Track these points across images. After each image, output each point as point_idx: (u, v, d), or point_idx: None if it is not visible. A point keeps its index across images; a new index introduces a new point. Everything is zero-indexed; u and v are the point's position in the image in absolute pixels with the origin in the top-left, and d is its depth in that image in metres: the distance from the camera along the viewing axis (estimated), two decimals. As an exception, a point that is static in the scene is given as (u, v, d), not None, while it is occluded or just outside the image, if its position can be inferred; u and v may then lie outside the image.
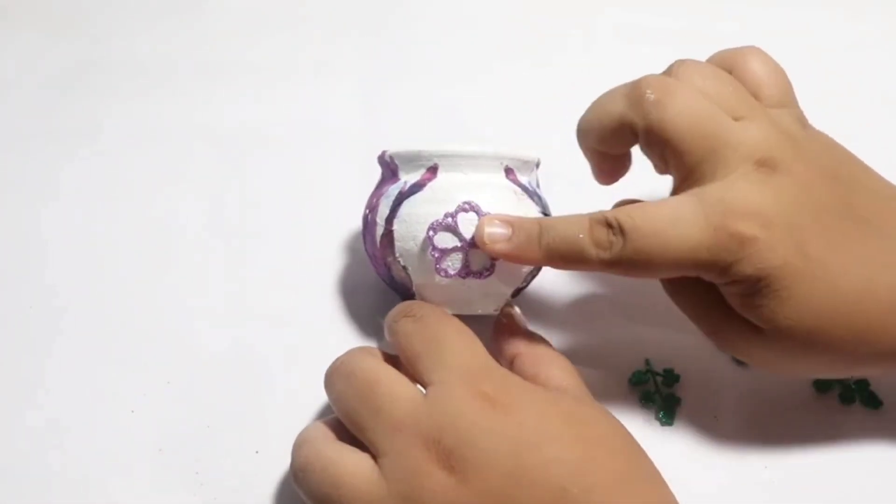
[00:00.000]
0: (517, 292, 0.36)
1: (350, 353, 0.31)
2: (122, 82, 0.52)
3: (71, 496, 0.34)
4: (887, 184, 0.33)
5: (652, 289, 0.36)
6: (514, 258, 0.33)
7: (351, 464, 0.28)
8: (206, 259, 0.43)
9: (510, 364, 0.33)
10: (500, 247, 0.32)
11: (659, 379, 0.37)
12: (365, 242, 0.37)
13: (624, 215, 0.30)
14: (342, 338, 0.39)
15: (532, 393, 0.29)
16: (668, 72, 0.33)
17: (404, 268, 0.34)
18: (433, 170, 0.34)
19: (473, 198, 0.33)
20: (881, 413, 0.36)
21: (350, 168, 0.46)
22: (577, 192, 0.38)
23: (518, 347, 0.33)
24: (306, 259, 0.42)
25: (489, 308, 0.35)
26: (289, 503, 0.34)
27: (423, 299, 0.35)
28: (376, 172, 0.38)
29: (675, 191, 0.32)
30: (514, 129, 0.48)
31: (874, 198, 0.32)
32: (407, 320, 0.31)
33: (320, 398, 0.36)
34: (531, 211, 0.35)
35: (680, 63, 0.33)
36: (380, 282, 0.39)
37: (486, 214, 0.33)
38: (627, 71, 0.53)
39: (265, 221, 0.44)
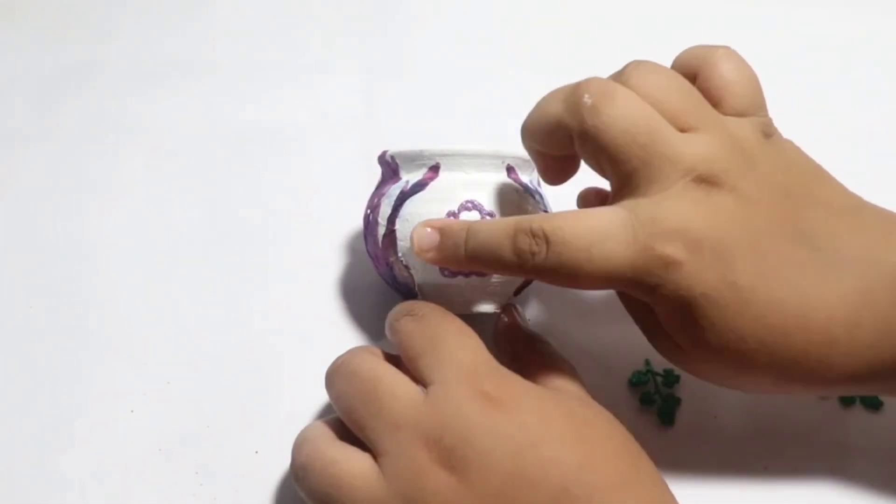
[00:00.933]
0: (518, 291, 0.36)
1: (351, 353, 0.31)
2: (122, 82, 0.52)
3: (71, 496, 0.34)
4: (845, 196, 0.31)
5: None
6: (444, 264, 0.32)
7: (351, 463, 0.28)
8: (207, 259, 0.43)
9: (510, 364, 0.33)
10: (431, 255, 0.32)
11: (659, 379, 0.37)
12: (366, 242, 0.37)
13: (550, 224, 0.29)
14: (343, 338, 0.39)
15: (533, 392, 0.29)
16: (620, 73, 0.31)
17: (406, 267, 0.34)
18: (435, 169, 0.34)
19: (475, 196, 0.33)
20: (881, 413, 0.36)
21: (351, 168, 0.46)
22: (577, 190, 0.38)
23: (518, 347, 0.33)
24: (307, 259, 0.42)
25: (491, 307, 0.35)
26: (289, 503, 0.34)
27: (425, 299, 0.35)
28: (378, 172, 0.38)
29: (613, 198, 0.31)
30: (514, 129, 0.48)
31: (826, 213, 0.30)
32: (408, 319, 0.31)
33: (320, 398, 0.36)
34: (532, 209, 0.35)
35: (634, 65, 0.31)
36: (380, 282, 0.39)
37: (488, 212, 0.33)
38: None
39: (266, 221, 0.44)
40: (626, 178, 0.29)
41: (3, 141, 0.48)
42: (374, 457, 0.28)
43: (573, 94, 0.30)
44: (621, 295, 0.33)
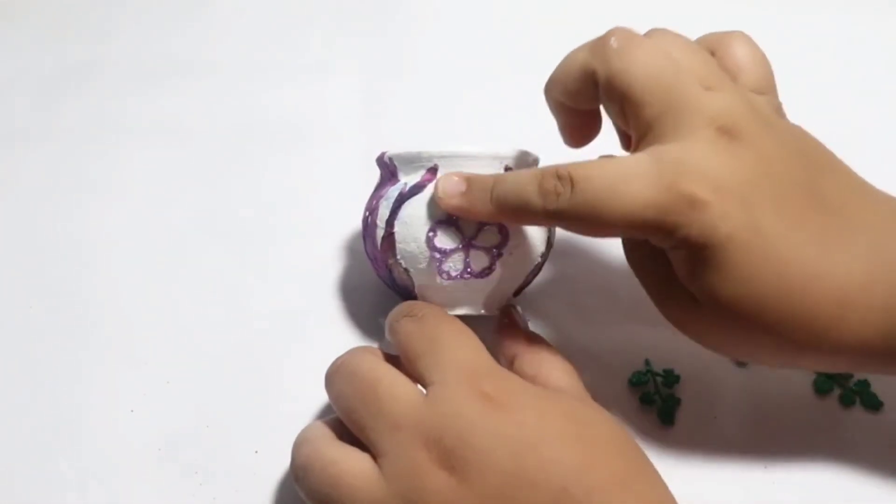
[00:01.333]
0: (518, 292, 0.36)
1: (351, 353, 0.31)
2: (122, 82, 0.52)
3: (71, 495, 0.34)
4: (857, 177, 0.32)
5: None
6: (468, 212, 0.32)
7: (351, 463, 0.28)
8: (206, 259, 0.43)
9: (510, 364, 0.33)
10: (455, 201, 0.32)
11: (659, 380, 0.37)
12: (365, 245, 0.37)
13: (576, 167, 0.29)
14: (342, 338, 0.39)
15: (532, 393, 0.29)
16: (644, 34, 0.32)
17: (406, 270, 0.34)
18: (433, 171, 0.34)
19: None
20: (881, 414, 0.36)
21: (351, 168, 0.46)
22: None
23: (518, 348, 0.33)
24: (307, 259, 0.42)
25: (491, 308, 0.35)
26: (289, 503, 0.34)
27: (424, 300, 0.35)
28: (377, 173, 0.38)
29: (635, 147, 0.31)
30: (514, 129, 0.48)
31: (842, 185, 0.30)
32: (408, 320, 0.31)
33: (320, 398, 0.36)
34: None
35: (656, 29, 0.32)
36: (380, 282, 0.39)
37: None
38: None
39: (265, 221, 0.44)
40: (648, 125, 0.30)
41: (3, 141, 0.48)
42: (374, 457, 0.28)
43: (600, 40, 0.31)
44: (629, 250, 0.33)
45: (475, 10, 0.57)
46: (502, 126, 0.48)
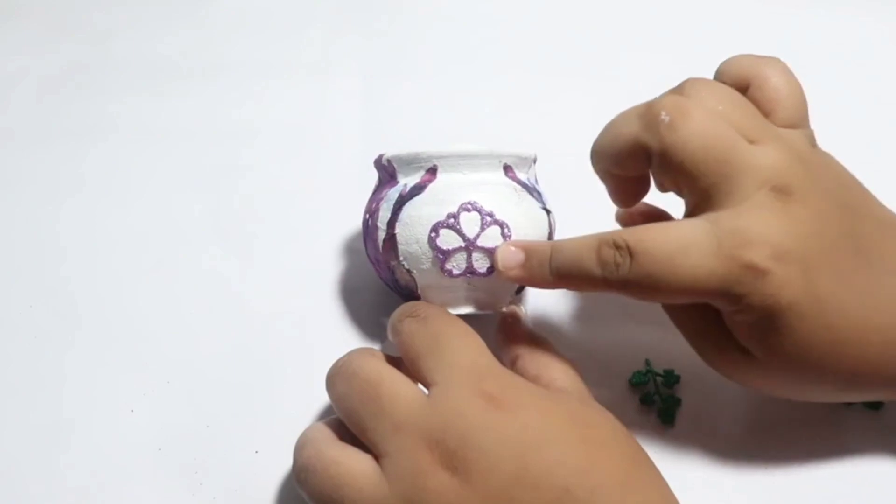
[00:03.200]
0: (519, 291, 0.36)
1: (351, 354, 0.31)
2: (121, 82, 0.52)
3: (71, 495, 0.34)
4: (887, 210, 0.33)
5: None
6: (529, 283, 0.33)
7: (352, 464, 0.28)
8: (206, 259, 0.43)
9: (513, 364, 0.33)
10: (515, 273, 0.33)
11: (659, 380, 0.37)
12: (367, 247, 0.37)
13: (633, 237, 0.29)
14: (342, 338, 0.39)
15: (535, 394, 0.29)
16: (680, 90, 0.32)
17: (408, 271, 0.34)
18: (432, 171, 0.34)
19: (474, 197, 0.33)
20: (881, 413, 0.36)
21: (350, 169, 0.46)
22: (575, 187, 0.39)
23: (520, 348, 0.33)
24: (306, 259, 0.42)
25: (493, 307, 0.35)
26: (289, 503, 0.34)
27: (427, 300, 0.35)
28: (375, 174, 0.38)
29: (688, 214, 0.31)
30: (512, 128, 0.48)
31: (878, 227, 0.31)
32: (411, 320, 0.31)
33: (320, 398, 0.36)
34: (531, 207, 0.35)
35: (692, 82, 0.32)
36: (379, 283, 0.39)
37: (488, 212, 0.33)
38: (625, 71, 0.53)
39: (265, 221, 0.44)
40: (704, 193, 0.30)
41: (3, 141, 0.48)
42: (376, 458, 0.28)
43: (648, 112, 0.31)
44: (670, 310, 0.33)
45: (474, 12, 0.57)
46: (502, 126, 0.49)
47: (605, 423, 0.29)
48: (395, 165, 0.35)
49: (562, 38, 0.55)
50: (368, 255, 0.37)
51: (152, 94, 0.51)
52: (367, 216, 0.36)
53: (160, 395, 0.37)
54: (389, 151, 0.35)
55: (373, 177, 0.38)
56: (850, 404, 0.36)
